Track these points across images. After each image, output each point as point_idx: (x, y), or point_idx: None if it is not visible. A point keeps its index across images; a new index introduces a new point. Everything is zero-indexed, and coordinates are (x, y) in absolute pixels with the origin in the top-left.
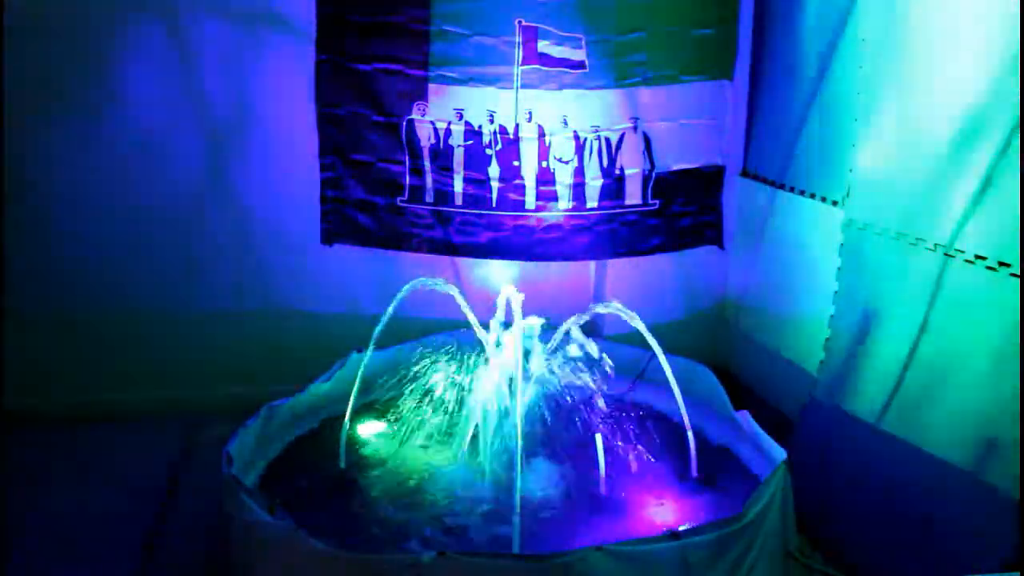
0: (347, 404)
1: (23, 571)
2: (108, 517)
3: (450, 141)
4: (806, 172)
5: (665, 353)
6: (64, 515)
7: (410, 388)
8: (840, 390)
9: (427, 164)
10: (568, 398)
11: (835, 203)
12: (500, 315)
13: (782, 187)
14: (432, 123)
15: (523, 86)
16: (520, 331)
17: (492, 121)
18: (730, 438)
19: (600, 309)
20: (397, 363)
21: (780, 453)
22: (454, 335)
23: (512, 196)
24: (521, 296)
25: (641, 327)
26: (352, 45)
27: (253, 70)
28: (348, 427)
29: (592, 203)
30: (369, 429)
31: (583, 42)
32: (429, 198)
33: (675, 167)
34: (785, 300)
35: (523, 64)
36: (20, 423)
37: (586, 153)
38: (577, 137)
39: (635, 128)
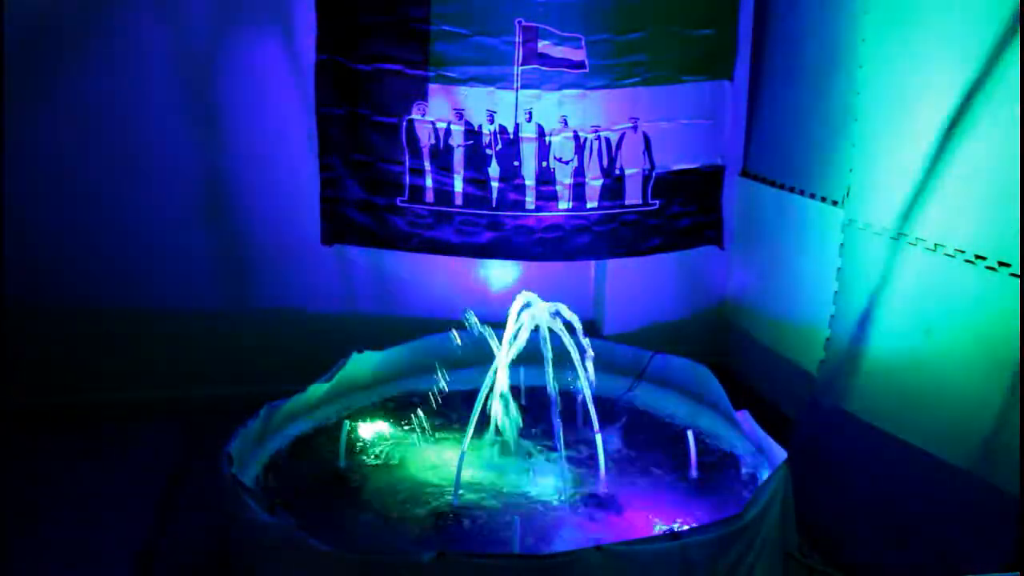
0: (347, 403)
1: (23, 572)
2: (108, 517)
3: (450, 141)
4: (806, 172)
5: (665, 353)
6: (64, 515)
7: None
8: (840, 390)
9: (427, 164)
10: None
11: (835, 203)
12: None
13: (782, 187)
14: (432, 123)
15: (523, 86)
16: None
17: (492, 121)
18: (730, 438)
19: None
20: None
21: (780, 453)
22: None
23: (512, 196)
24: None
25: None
26: (352, 45)
27: (253, 69)
28: (348, 426)
29: (592, 203)
30: (369, 427)
31: (583, 42)
32: (429, 198)
33: (675, 167)
34: (785, 300)
35: (523, 64)
36: (20, 423)
37: (586, 153)
38: (577, 137)
39: (635, 128)
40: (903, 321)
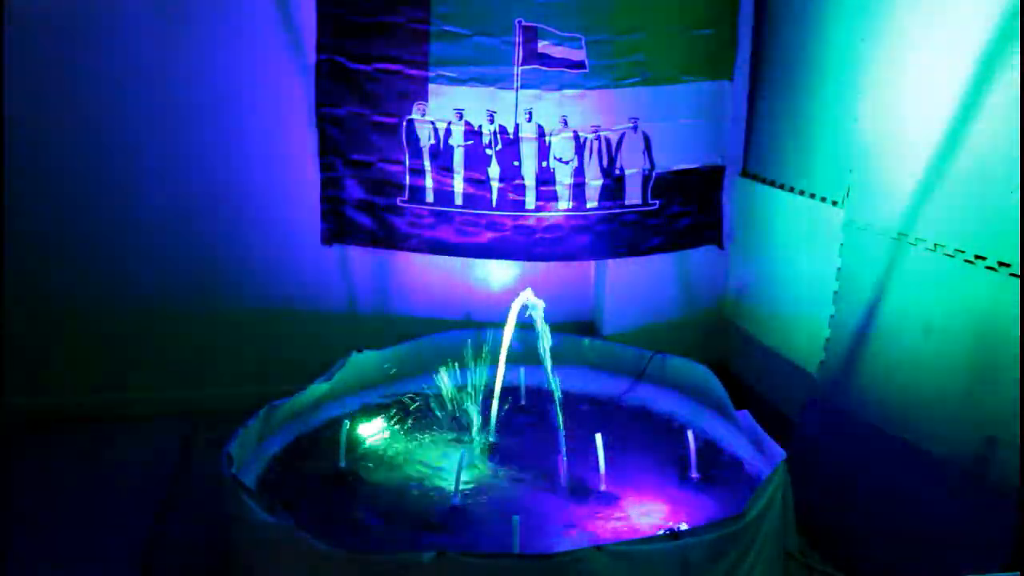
0: (347, 403)
1: (23, 571)
2: (108, 517)
3: (450, 141)
4: (806, 172)
5: (665, 353)
6: (64, 515)
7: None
8: (840, 390)
9: (427, 164)
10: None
11: (835, 203)
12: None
13: (782, 187)
14: (432, 123)
15: (523, 86)
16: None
17: (492, 121)
18: (730, 438)
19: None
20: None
21: (780, 453)
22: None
23: (512, 196)
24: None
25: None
26: (352, 45)
27: (253, 70)
28: (348, 426)
29: (592, 203)
30: (369, 427)
31: (583, 42)
32: (429, 198)
33: (675, 167)
34: (785, 300)
35: (523, 64)
36: (20, 423)
37: (586, 153)
38: (577, 137)
39: (635, 128)
40: (903, 321)
